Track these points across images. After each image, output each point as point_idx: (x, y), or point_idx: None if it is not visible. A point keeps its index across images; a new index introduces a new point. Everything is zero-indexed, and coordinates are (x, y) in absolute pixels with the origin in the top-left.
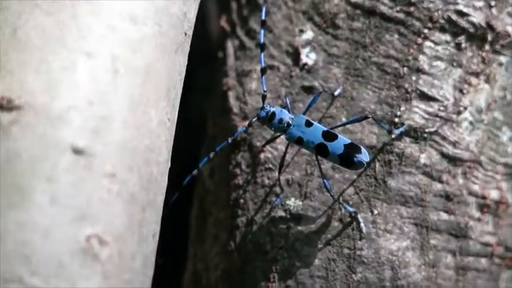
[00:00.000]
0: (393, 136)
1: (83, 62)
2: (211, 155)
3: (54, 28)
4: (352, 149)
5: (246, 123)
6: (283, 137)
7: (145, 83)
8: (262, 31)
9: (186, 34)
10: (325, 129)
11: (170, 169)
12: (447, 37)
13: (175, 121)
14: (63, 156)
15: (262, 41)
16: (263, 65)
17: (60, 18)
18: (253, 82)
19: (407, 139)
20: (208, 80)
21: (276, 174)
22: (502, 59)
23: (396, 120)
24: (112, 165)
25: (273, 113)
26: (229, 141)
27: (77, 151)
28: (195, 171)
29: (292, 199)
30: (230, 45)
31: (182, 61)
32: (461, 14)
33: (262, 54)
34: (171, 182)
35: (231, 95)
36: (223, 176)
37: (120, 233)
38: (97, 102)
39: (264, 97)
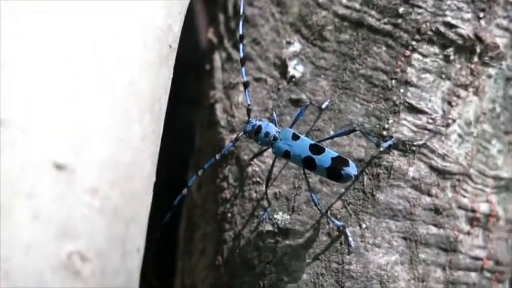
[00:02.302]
0: (381, 149)
1: (63, 77)
2: (200, 172)
3: (34, 41)
4: (339, 162)
5: (233, 136)
6: (271, 150)
7: (128, 98)
8: (241, 45)
9: (170, 47)
10: (313, 142)
11: (159, 180)
12: (435, 49)
13: (161, 133)
14: (43, 172)
15: (242, 55)
16: (245, 79)
17: (40, 32)
18: (241, 95)
19: (396, 152)
20: (196, 91)
21: (264, 187)
22: (491, 70)
23: (384, 133)
24: (94, 181)
25: (259, 127)
26: (217, 157)
27: (58, 167)
28: (184, 190)
29: (280, 213)
30: (217, 58)
31: (167, 74)
32: (449, 25)
33: (243, 69)
34: (160, 193)
35: (218, 107)
36: (211, 189)
37: (103, 249)
38: (78, 117)
39: (248, 111)
